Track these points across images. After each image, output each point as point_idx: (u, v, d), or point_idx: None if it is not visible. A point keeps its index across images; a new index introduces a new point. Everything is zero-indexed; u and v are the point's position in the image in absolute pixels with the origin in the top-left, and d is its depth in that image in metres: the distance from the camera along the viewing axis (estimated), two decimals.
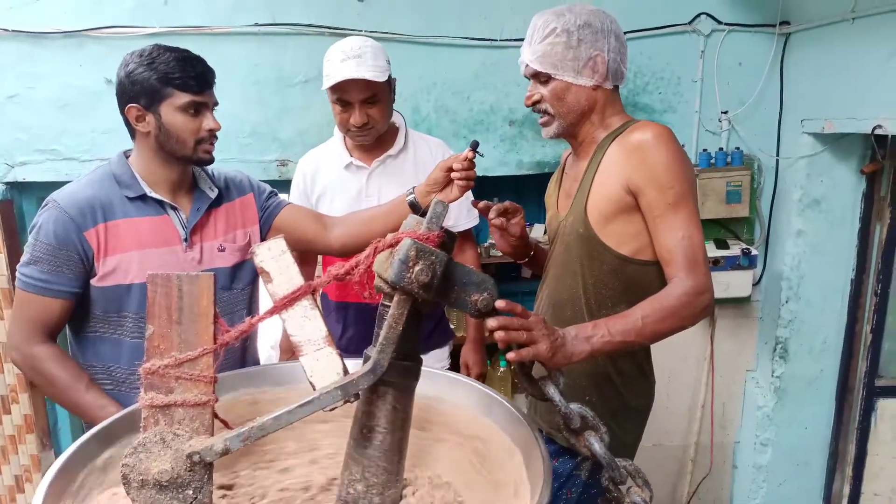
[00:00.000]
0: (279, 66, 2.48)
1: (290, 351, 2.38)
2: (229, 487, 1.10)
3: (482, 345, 2.35)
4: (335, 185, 2.08)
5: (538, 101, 1.45)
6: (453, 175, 1.56)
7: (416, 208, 1.64)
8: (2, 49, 2.36)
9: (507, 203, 1.50)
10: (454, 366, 2.44)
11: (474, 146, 1.56)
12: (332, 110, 1.99)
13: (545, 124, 1.48)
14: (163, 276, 0.85)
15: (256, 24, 2.43)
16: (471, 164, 1.56)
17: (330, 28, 2.42)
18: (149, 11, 2.39)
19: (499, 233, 1.53)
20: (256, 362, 1.76)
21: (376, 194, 2.03)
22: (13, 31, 2.34)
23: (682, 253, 1.30)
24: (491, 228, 1.54)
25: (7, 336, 1.50)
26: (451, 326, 2.54)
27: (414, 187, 1.66)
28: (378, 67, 1.87)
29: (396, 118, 2.12)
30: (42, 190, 2.48)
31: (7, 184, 2.49)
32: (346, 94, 1.89)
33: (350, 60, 1.85)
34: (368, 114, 1.92)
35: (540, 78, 1.43)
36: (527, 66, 1.44)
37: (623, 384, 1.51)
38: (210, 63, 1.55)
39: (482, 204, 1.47)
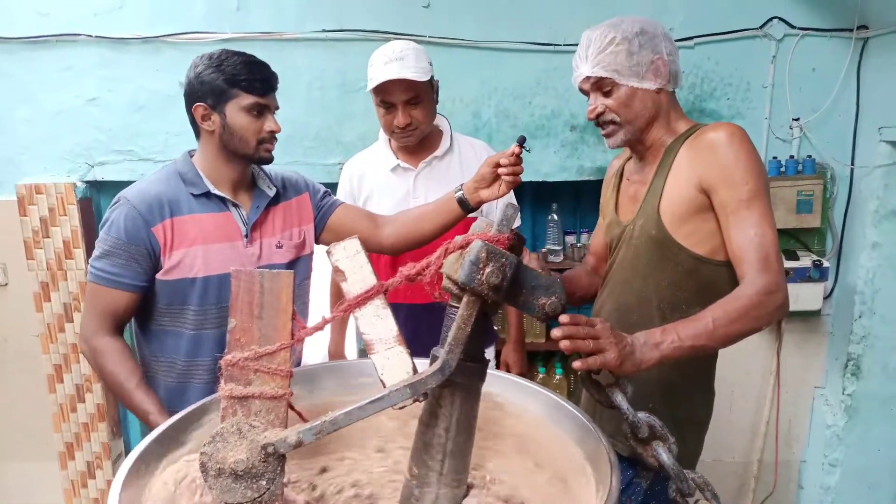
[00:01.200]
0: (344, 72, 2.53)
1: (338, 356, 2.42)
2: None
3: (523, 345, 2.40)
4: (382, 187, 2.11)
5: (602, 113, 1.44)
6: (500, 171, 1.57)
7: (465, 205, 1.65)
8: (85, 54, 2.49)
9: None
10: (497, 366, 2.45)
11: (521, 141, 1.55)
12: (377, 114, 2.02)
13: (610, 134, 1.46)
14: (247, 271, 0.88)
15: (324, 31, 2.49)
16: (518, 160, 1.56)
17: (394, 34, 2.46)
18: (222, 18, 2.48)
19: None
20: (298, 362, 1.79)
21: (423, 196, 2.05)
22: (96, 37, 2.47)
23: (754, 251, 1.27)
24: None
25: (80, 328, 1.57)
26: (496, 328, 2.54)
27: (462, 184, 1.67)
28: (420, 69, 1.90)
29: (441, 121, 2.14)
30: (119, 189, 2.56)
31: (87, 182, 2.62)
32: (390, 95, 1.92)
33: (392, 63, 1.88)
34: (412, 115, 1.95)
35: (602, 88, 1.42)
36: (586, 78, 1.43)
37: (686, 393, 1.48)
38: (278, 68, 1.60)
39: None
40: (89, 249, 2.58)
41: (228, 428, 0.89)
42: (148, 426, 1.44)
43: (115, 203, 1.55)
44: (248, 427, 0.89)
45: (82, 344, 1.56)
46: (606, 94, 1.42)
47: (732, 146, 1.32)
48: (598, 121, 1.46)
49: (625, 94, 1.41)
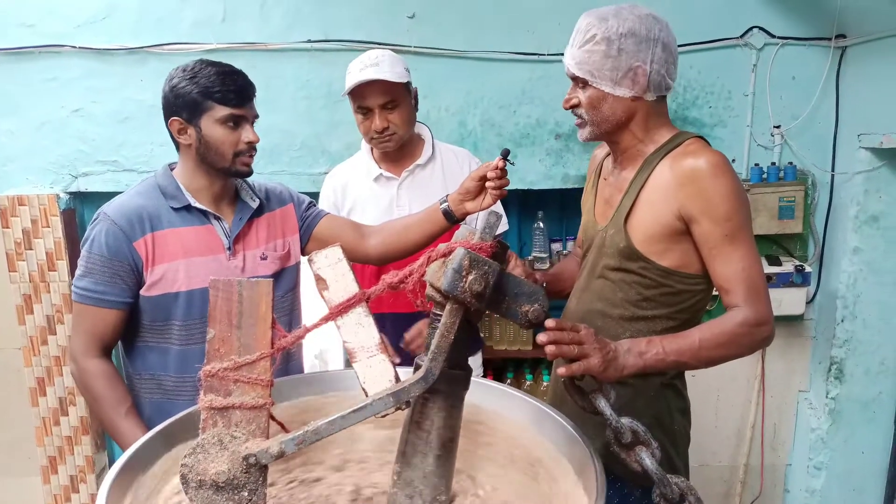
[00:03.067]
0: (330, 82, 2.54)
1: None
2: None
3: None
4: (366, 197, 2.11)
5: (576, 105, 1.41)
6: (487, 185, 1.58)
7: (450, 216, 1.66)
8: (69, 65, 2.48)
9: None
10: (484, 374, 2.45)
11: (505, 154, 1.55)
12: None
13: (580, 126, 1.44)
14: (225, 281, 0.88)
15: (309, 41, 2.50)
16: (503, 173, 1.57)
17: (380, 44, 2.47)
18: (207, 28, 2.48)
19: None
20: (301, 371, 1.79)
21: (407, 205, 2.06)
22: (81, 48, 2.46)
23: (743, 284, 1.27)
24: None
25: (68, 348, 1.56)
26: (482, 335, 2.54)
27: (447, 196, 1.68)
28: (395, 72, 1.92)
29: (422, 130, 2.15)
30: (103, 200, 2.55)
31: (70, 193, 2.61)
32: (366, 99, 1.94)
33: (368, 69, 1.91)
34: (389, 119, 1.96)
35: (578, 83, 1.39)
36: (567, 67, 1.40)
37: (663, 403, 1.48)
38: (263, 78, 1.60)
39: None
40: (72, 261, 2.56)
41: (209, 439, 0.88)
42: None
43: (96, 219, 1.53)
44: (229, 438, 0.88)
45: (71, 364, 1.54)
46: (582, 88, 1.39)
47: (716, 179, 1.28)
48: (573, 111, 1.43)
49: (594, 96, 1.36)
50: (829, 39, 2.51)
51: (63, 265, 2.55)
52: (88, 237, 1.52)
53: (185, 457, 0.89)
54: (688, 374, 1.53)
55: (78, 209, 2.68)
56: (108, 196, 1.68)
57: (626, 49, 1.32)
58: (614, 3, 1.39)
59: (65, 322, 2.58)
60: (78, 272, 1.52)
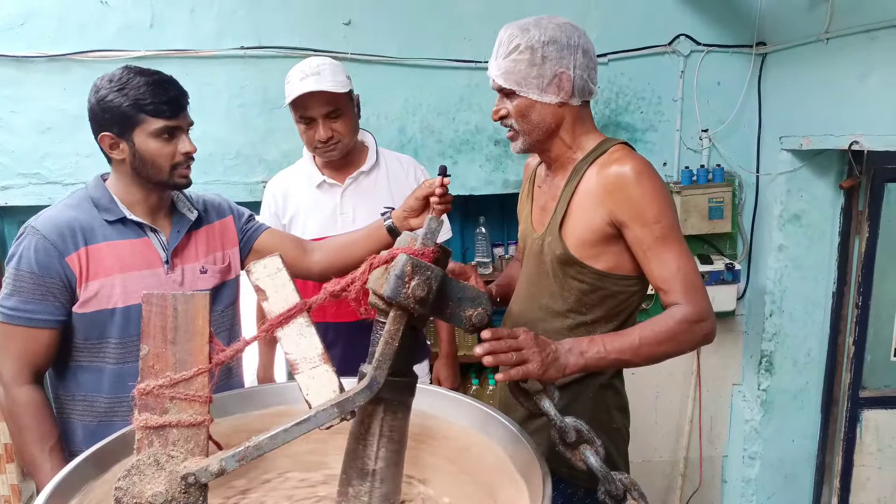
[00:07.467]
0: (265, 89, 2.50)
1: (268, 381, 2.36)
2: None
3: (454, 359, 2.39)
4: (308, 205, 2.08)
5: (505, 116, 1.42)
6: (433, 200, 1.59)
7: (394, 233, 1.65)
8: None
9: (455, 266, 1.44)
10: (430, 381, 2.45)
11: (443, 172, 1.59)
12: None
13: (512, 139, 1.45)
14: (158, 295, 0.85)
15: (242, 48, 2.45)
16: (446, 190, 1.59)
17: (315, 51, 2.44)
18: (134, 35, 2.40)
19: None
20: (242, 387, 1.74)
21: (351, 212, 2.04)
22: None
23: (680, 283, 1.30)
24: None
25: None
26: (429, 342, 2.54)
27: (391, 211, 1.68)
28: (337, 82, 1.89)
29: (366, 137, 2.14)
30: (24, 214, 2.45)
31: None
32: (308, 110, 1.91)
33: (309, 78, 1.87)
34: (332, 128, 1.94)
35: (505, 93, 1.40)
36: (493, 80, 1.41)
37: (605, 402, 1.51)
38: (195, 85, 1.54)
39: None
40: None
41: (145, 460, 0.85)
42: None
43: (22, 234, 1.44)
44: (165, 458, 0.85)
45: (0, 391, 1.45)
46: (510, 98, 1.40)
47: (641, 184, 1.31)
48: (503, 123, 1.44)
49: (523, 105, 1.38)
50: (751, 47, 2.64)
51: None
52: (15, 253, 1.42)
53: (120, 479, 0.85)
54: (627, 373, 1.57)
55: None
56: (31, 210, 1.59)
57: (550, 56, 1.34)
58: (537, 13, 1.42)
59: None
60: (4, 291, 1.42)
